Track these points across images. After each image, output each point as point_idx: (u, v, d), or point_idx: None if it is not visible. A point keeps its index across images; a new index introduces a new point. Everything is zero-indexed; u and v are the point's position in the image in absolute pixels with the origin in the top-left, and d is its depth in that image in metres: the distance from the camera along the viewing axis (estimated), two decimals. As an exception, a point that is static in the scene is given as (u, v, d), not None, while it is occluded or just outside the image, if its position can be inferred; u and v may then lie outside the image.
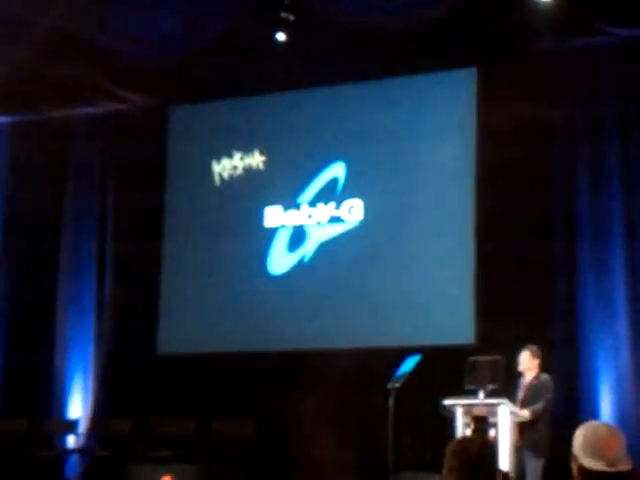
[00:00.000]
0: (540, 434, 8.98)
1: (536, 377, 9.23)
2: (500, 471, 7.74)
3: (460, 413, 8.69)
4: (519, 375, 9.33)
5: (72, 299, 13.09)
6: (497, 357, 9.21)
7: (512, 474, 8.44)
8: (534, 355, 9.25)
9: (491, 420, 8.69)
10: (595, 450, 3.45)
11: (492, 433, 8.61)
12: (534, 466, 8.90)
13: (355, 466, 11.13)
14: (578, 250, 10.83)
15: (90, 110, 13.26)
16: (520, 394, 9.17)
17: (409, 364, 9.48)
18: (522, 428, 8.87)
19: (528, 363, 9.25)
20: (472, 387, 8.94)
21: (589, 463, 3.46)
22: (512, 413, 8.68)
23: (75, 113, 13.33)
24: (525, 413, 8.87)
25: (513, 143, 10.91)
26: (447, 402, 8.77)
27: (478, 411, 8.74)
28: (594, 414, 10.14)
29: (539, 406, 8.98)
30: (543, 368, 9.34)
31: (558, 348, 10.52)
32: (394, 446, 9.20)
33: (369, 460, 10.70)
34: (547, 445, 8.99)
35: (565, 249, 10.86)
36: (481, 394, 8.85)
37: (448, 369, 10.06)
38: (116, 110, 13.15)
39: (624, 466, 3.46)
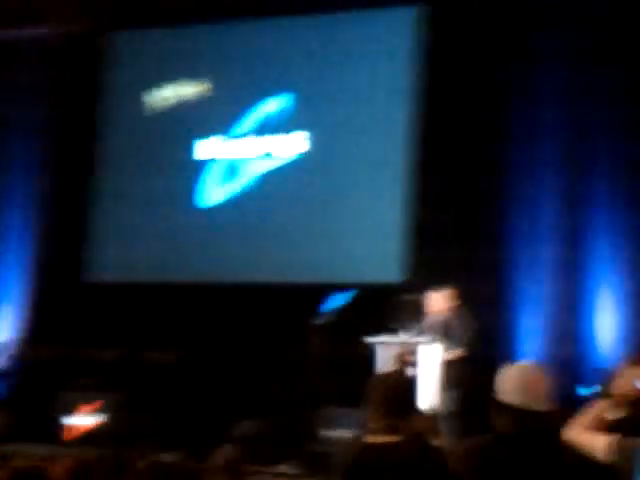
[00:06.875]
0: (464, 368, 8.95)
1: (450, 312, 9.16)
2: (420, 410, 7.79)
3: (381, 351, 8.75)
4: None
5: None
6: (421, 296, 9.30)
7: (439, 411, 8.47)
8: (449, 298, 9.21)
9: (414, 358, 8.77)
10: (515, 387, 3.55)
11: (413, 371, 8.66)
12: (450, 396, 8.86)
13: (276, 400, 11.24)
14: (507, 186, 10.84)
15: (21, 33, 12.97)
16: (430, 333, 9.01)
17: (338, 300, 9.50)
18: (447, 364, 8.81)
19: (441, 305, 9.20)
20: (395, 325, 9.02)
21: (508, 398, 3.57)
22: (440, 350, 8.72)
23: (4, 36, 13.03)
24: (456, 352, 8.86)
25: (457, 68, 10.88)
26: (368, 340, 8.85)
27: (399, 349, 8.81)
28: (514, 353, 10.28)
29: (466, 340, 8.94)
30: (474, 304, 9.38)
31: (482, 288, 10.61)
32: (315, 382, 9.28)
33: (290, 395, 10.80)
34: (468, 377, 8.98)
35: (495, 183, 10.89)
36: (404, 333, 8.95)
37: (374, 307, 10.15)
38: (47, 34, 12.86)
39: (542, 406, 3.56)
